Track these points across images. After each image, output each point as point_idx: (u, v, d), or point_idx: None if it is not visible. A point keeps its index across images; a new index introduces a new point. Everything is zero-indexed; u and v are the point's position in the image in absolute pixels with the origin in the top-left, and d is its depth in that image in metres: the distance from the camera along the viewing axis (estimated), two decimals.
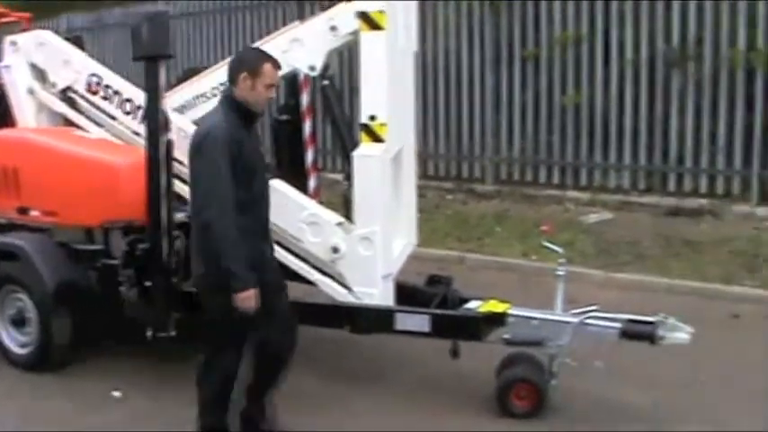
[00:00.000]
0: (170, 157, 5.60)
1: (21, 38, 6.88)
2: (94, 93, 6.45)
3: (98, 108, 6.51)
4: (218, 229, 4.28)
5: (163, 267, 5.60)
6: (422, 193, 11.22)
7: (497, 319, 5.31)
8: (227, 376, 4.61)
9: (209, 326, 4.63)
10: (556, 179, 11.43)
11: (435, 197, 11.82)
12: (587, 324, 5.14)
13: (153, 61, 5.48)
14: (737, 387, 5.76)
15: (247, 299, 4.32)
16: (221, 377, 4.61)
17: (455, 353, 5.45)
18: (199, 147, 4.39)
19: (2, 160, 6.39)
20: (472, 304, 5.49)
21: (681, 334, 5.04)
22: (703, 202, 10.24)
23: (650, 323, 5.08)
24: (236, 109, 4.49)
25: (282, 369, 4.90)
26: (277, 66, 4.62)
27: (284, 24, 6.99)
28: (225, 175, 4.30)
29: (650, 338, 5.05)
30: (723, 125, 10.23)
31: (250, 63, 4.52)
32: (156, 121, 5.51)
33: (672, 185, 10.64)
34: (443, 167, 12.47)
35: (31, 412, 5.53)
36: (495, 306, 5.38)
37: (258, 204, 4.61)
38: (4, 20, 8.50)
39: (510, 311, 5.31)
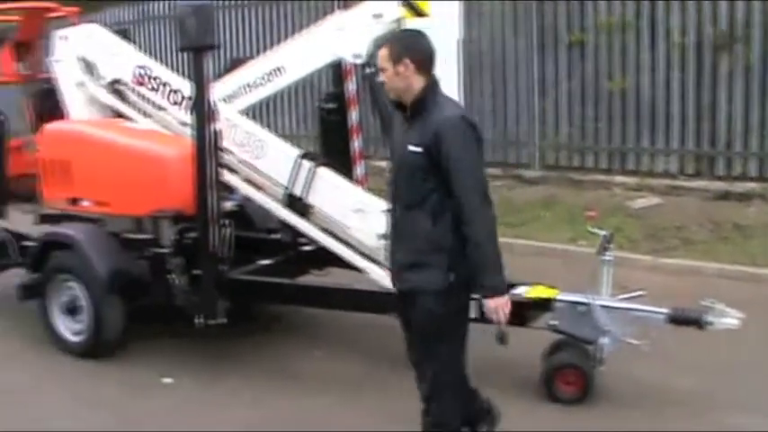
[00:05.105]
0: (217, 147, 5.68)
1: (70, 32, 6.97)
2: (142, 84, 6.54)
3: (146, 99, 6.61)
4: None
5: (212, 256, 5.68)
6: None
7: (544, 305, 5.31)
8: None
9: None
10: (603, 164, 11.32)
11: None
12: (634, 309, 5.13)
13: (199, 52, 5.55)
14: None
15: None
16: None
17: (502, 339, 5.44)
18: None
19: (54, 152, 6.51)
20: (519, 290, 5.45)
21: (730, 319, 5.00)
22: (753, 185, 10.10)
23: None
24: None
25: None
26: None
27: (329, 13, 7.01)
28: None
29: (698, 324, 5.02)
30: None
31: None
32: (203, 111, 5.58)
33: (720, 169, 10.51)
34: (490, 153, 12.37)
35: (83, 398, 5.64)
36: (542, 291, 5.37)
37: None
38: (53, 15, 8.62)
39: (557, 297, 5.29)
